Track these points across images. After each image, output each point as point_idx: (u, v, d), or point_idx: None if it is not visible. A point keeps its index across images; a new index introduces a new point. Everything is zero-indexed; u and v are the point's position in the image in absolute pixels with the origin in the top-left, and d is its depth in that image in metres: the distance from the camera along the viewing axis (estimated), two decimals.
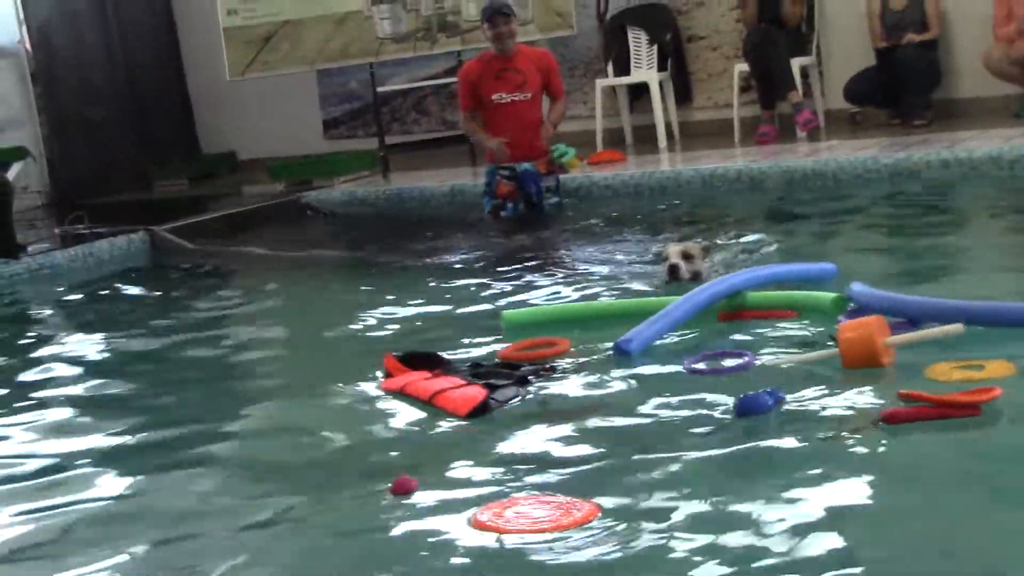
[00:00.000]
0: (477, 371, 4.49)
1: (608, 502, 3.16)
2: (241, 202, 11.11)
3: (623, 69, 11.33)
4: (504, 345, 4.92)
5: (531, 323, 5.19)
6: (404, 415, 4.28)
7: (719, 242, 6.62)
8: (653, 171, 9.41)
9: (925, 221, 7.33)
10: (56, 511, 3.70)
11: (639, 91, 11.35)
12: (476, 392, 4.17)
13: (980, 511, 2.98)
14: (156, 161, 13.48)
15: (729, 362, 4.28)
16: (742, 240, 6.72)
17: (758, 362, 4.24)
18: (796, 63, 10.41)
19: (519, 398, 4.21)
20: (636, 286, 5.86)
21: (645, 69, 11.17)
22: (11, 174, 9.83)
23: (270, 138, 13.62)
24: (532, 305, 5.70)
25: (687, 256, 5.57)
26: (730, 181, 8.94)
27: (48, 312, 7.65)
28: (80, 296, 8.09)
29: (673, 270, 5.53)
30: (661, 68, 11.18)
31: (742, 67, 10.70)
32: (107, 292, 8.17)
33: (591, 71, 11.97)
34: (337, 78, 13.35)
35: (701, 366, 4.28)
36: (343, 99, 13.62)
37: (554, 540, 2.97)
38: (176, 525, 3.45)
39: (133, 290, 8.27)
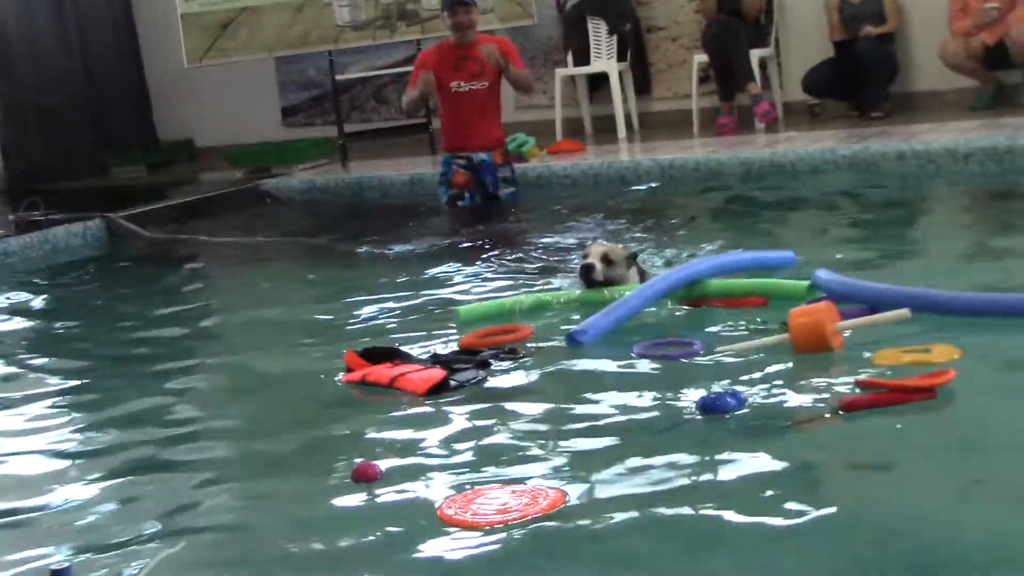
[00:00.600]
0: (437, 359, 4.52)
1: (573, 489, 3.17)
2: (199, 189, 11.04)
3: (583, 59, 11.34)
4: (461, 335, 4.91)
5: (484, 317, 5.14)
6: (364, 404, 4.28)
7: (662, 240, 6.63)
8: (612, 161, 9.43)
9: (881, 212, 7.40)
10: None
11: (599, 81, 11.37)
12: (435, 373, 4.23)
13: (946, 493, 3.03)
14: (113, 148, 13.37)
15: (676, 349, 4.31)
16: (685, 236, 6.75)
17: (704, 351, 4.28)
18: (755, 55, 10.45)
19: (478, 380, 4.23)
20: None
21: (605, 59, 11.18)
22: None
23: (228, 125, 13.52)
24: (487, 298, 5.68)
25: (607, 260, 5.13)
26: (688, 172, 8.97)
27: (1, 298, 7.57)
28: (34, 283, 8.01)
29: (587, 271, 5.10)
30: (621, 58, 11.20)
31: (701, 58, 10.74)
32: (62, 279, 8.10)
33: (551, 61, 11.97)
34: (296, 65, 13.27)
35: (649, 351, 4.30)
36: (302, 87, 13.55)
37: (522, 527, 2.97)
38: (115, 520, 3.44)
39: (89, 277, 8.21)
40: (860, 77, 10.18)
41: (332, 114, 12.23)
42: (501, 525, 2.98)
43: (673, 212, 7.95)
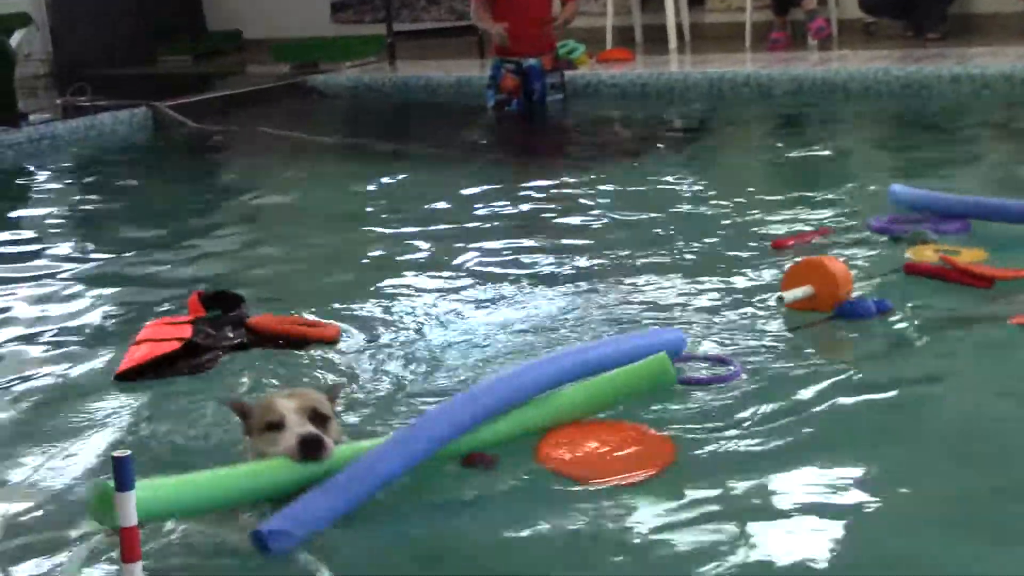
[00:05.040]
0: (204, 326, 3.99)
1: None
2: (245, 81, 11.02)
3: None
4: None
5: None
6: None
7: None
8: (661, 72, 9.33)
9: (929, 134, 7.30)
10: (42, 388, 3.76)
11: None
12: (142, 353, 3.74)
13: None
14: (161, 36, 13.34)
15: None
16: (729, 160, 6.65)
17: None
18: None
19: (213, 365, 3.73)
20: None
21: None
22: (13, 41, 9.72)
23: (277, 19, 13.45)
24: (509, 212, 5.60)
25: (319, 417, 2.77)
26: (738, 86, 8.88)
27: (47, 182, 7.63)
28: (79, 167, 8.06)
29: (314, 447, 2.65)
30: None
31: None
32: (107, 165, 8.14)
33: None
34: None
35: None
36: None
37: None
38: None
39: (133, 164, 8.25)
40: None
41: (381, 12, 12.13)
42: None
43: (720, 130, 7.89)
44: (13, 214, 6.60)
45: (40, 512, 2.83)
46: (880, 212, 4.89)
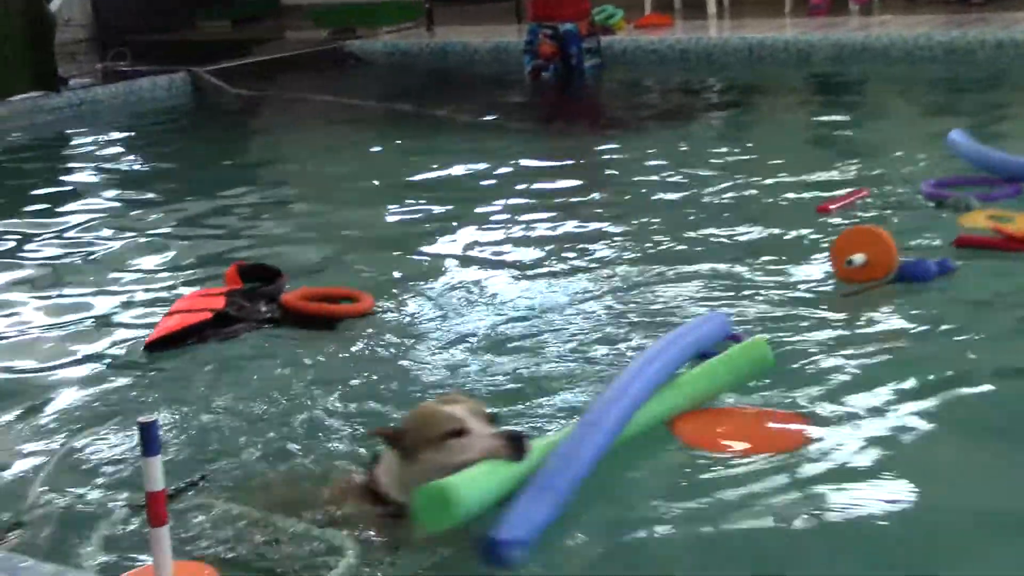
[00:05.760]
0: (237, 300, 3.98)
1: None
2: (284, 47, 11.02)
3: None
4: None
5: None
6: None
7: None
8: (700, 37, 9.26)
9: (972, 101, 7.21)
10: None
11: None
12: (172, 324, 3.79)
13: None
14: (200, 1, 13.34)
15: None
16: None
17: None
18: None
19: (235, 336, 3.78)
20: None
21: None
22: (53, 6, 9.76)
23: None
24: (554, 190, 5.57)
25: (489, 417, 2.67)
26: (777, 51, 8.81)
27: (87, 147, 7.67)
28: (119, 133, 8.11)
29: (520, 443, 2.57)
30: None
31: None
32: (146, 130, 8.18)
33: None
34: None
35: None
36: None
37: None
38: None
39: (171, 129, 8.28)
40: None
41: None
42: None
43: (759, 95, 7.83)
44: (53, 179, 6.65)
45: (73, 479, 2.87)
46: (924, 177, 4.86)
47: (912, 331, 3.44)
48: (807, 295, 3.77)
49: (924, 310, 3.55)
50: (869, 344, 3.34)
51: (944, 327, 3.42)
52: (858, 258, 3.71)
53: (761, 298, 3.76)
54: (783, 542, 2.45)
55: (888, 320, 3.53)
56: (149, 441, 2.04)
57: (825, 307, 3.64)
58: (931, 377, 3.08)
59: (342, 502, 2.59)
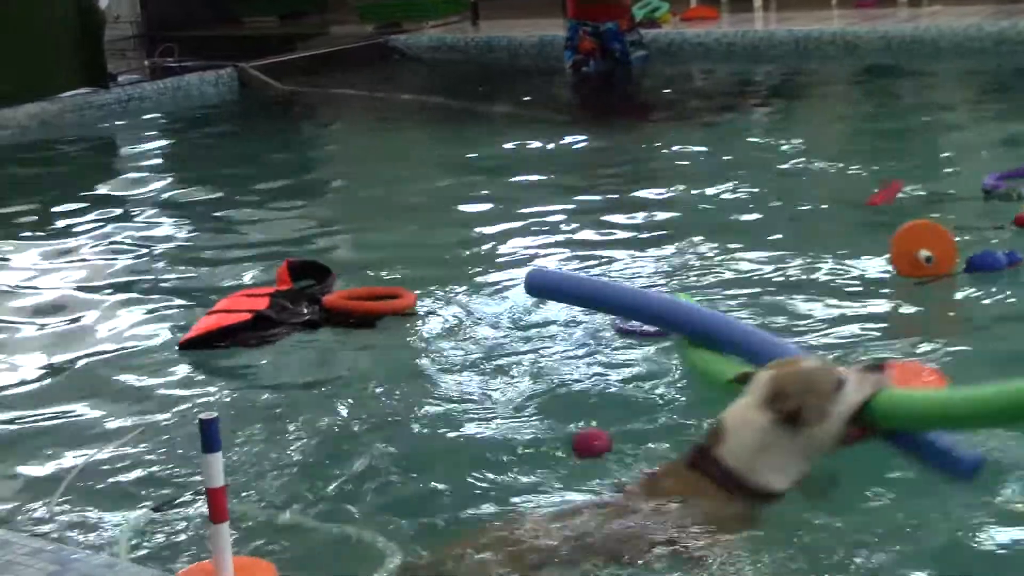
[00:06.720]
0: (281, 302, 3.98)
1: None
2: (330, 42, 11.06)
3: None
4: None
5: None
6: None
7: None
8: (746, 31, 9.21)
9: None
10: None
11: None
12: (209, 323, 3.81)
13: None
14: None
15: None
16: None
17: None
18: None
19: (277, 338, 3.78)
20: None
21: None
22: (102, 3, 9.83)
23: None
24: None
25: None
26: (824, 44, 8.75)
27: (136, 143, 7.73)
28: (167, 128, 8.17)
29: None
30: None
31: None
32: (194, 125, 8.24)
33: None
34: None
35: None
36: None
37: None
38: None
39: (219, 124, 8.33)
40: None
41: None
42: None
43: (806, 88, 7.77)
44: (103, 174, 6.70)
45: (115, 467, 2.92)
46: (978, 170, 4.82)
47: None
48: (862, 287, 3.78)
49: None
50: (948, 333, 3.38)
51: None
52: (925, 253, 3.71)
53: (816, 294, 3.76)
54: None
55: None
56: (210, 438, 2.05)
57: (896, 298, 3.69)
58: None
59: (688, 496, 2.38)
